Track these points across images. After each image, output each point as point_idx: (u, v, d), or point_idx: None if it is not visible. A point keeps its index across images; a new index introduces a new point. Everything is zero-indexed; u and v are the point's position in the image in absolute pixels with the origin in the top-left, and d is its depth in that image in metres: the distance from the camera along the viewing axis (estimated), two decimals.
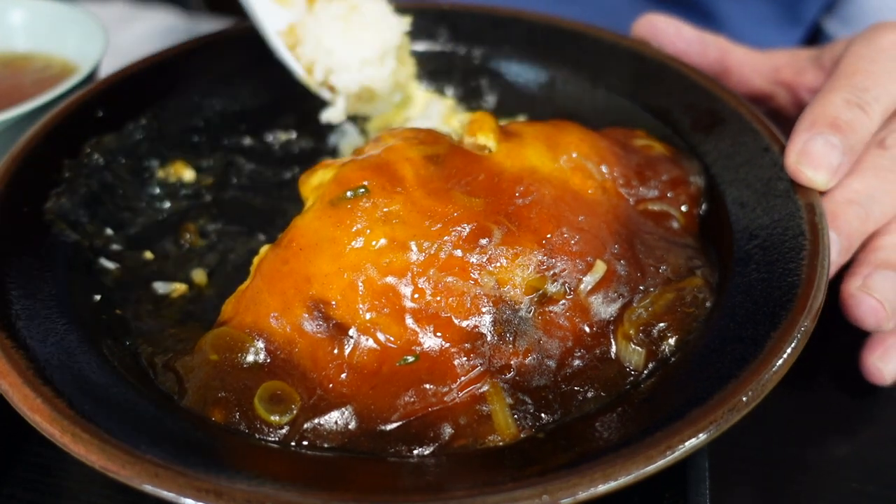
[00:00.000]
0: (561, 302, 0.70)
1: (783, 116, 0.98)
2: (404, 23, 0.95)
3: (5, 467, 0.73)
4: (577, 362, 0.69)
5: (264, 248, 0.74)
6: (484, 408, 0.65)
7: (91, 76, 1.02)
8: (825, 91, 0.80)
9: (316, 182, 0.76)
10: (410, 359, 0.67)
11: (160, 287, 0.82)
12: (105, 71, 0.99)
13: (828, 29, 1.38)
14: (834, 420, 0.81)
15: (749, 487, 0.75)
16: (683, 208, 0.81)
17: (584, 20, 1.03)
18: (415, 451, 0.63)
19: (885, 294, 0.75)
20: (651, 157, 0.83)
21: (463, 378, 0.66)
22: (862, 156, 0.80)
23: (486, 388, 0.66)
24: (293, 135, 1.03)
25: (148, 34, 1.59)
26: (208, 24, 1.69)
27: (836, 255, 0.75)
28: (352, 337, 0.67)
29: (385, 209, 0.70)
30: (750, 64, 0.98)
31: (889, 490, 0.74)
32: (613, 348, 0.70)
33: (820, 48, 0.95)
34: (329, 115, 0.95)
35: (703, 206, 0.83)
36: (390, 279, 0.68)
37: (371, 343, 0.67)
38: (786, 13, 1.33)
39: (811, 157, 0.76)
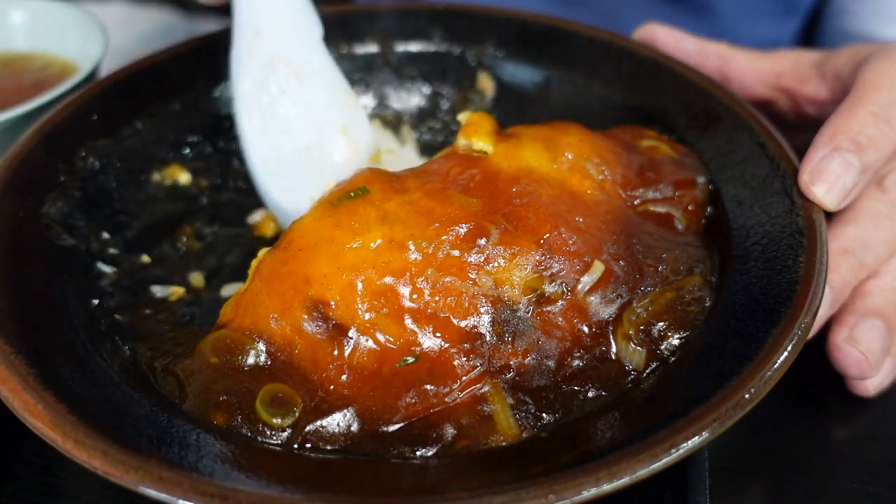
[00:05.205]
0: (559, 302, 0.70)
1: (783, 122, 0.97)
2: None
3: (5, 467, 0.73)
4: (576, 362, 0.68)
5: (263, 251, 0.73)
6: (485, 408, 0.65)
7: (91, 76, 1.01)
8: (850, 103, 0.78)
9: None
10: (410, 359, 0.67)
11: (158, 291, 0.82)
12: (105, 71, 0.98)
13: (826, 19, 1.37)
14: (834, 420, 0.81)
15: (749, 487, 0.74)
16: (689, 208, 0.81)
17: (582, 20, 1.03)
18: (418, 453, 0.63)
19: (870, 345, 0.74)
20: (655, 158, 0.83)
21: (463, 378, 0.66)
22: (860, 197, 0.78)
23: (486, 388, 0.66)
24: None
25: (148, 34, 1.58)
26: (208, 25, 1.68)
27: (827, 307, 0.74)
28: (351, 338, 0.67)
29: (384, 209, 0.70)
30: (751, 71, 0.97)
31: (889, 490, 0.73)
32: (613, 348, 0.69)
33: (823, 53, 0.95)
34: None
35: (709, 209, 0.82)
36: (389, 279, 0.68)
37: (371, 344, 0.67)
38: (781, 3, 1.32)
39: (825, 177, 0.74)
